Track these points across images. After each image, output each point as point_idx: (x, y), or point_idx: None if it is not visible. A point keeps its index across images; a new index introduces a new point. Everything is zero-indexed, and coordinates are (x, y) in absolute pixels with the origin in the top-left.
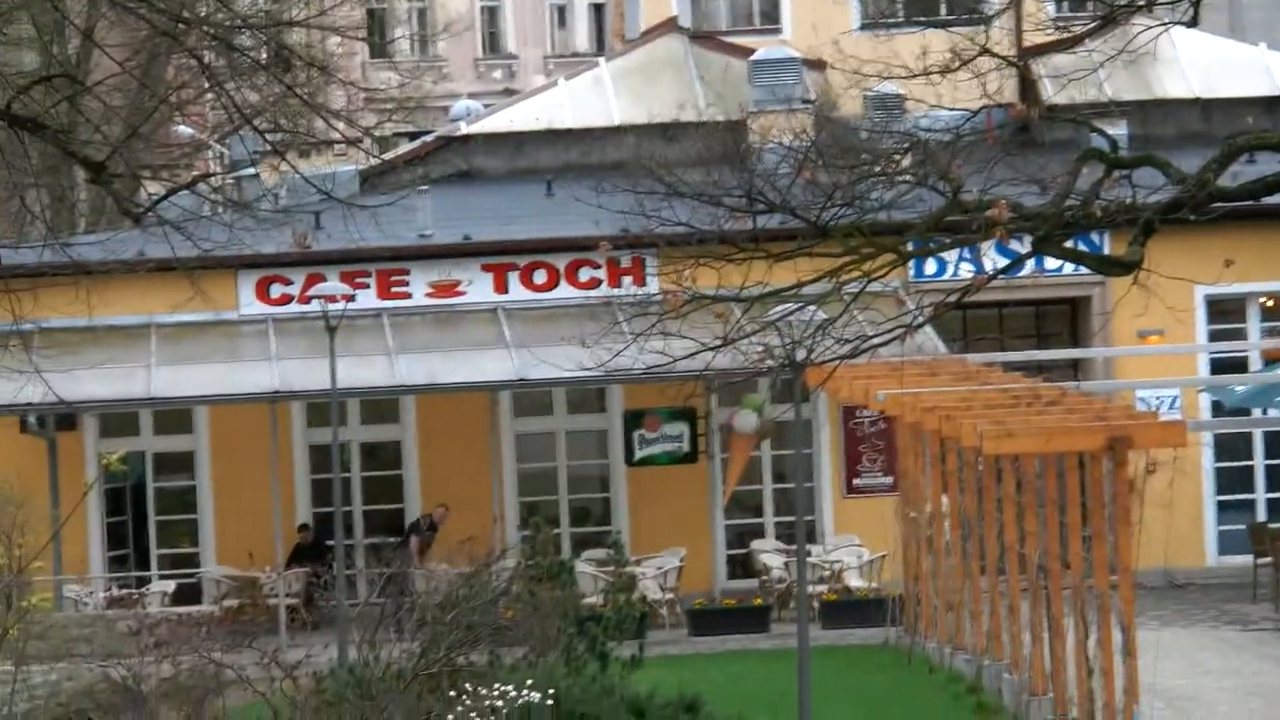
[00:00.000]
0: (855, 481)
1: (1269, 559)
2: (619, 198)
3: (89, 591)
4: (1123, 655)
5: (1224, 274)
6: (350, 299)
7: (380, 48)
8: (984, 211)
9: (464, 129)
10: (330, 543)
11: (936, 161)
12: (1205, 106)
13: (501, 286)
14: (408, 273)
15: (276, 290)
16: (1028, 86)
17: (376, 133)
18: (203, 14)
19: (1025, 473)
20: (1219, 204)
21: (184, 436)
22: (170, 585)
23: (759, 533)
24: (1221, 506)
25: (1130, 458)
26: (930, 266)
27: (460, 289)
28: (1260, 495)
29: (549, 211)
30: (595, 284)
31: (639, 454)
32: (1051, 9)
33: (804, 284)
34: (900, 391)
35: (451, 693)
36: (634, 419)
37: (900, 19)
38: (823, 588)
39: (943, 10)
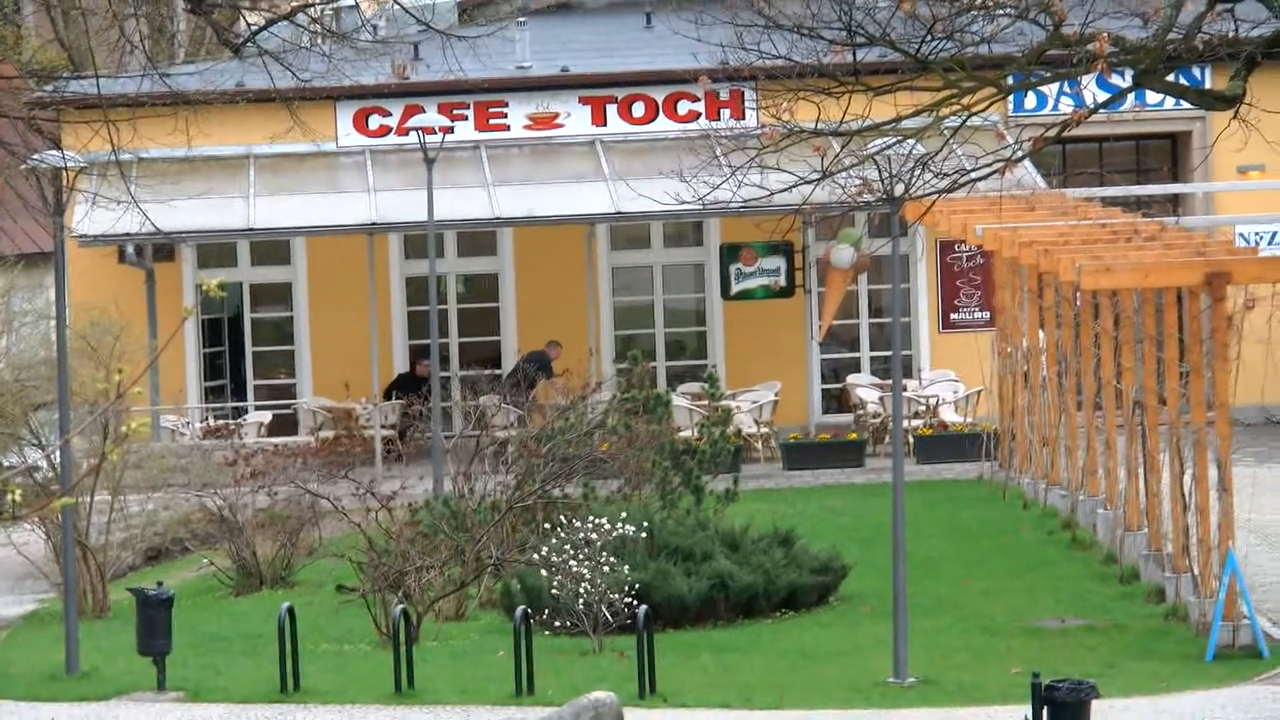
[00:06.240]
0: (952, 316)
1: None
2: (718, 30)
3: (186, 422)
4: (1218, 491)
5: None
6: (448, 131)
7: None
8: (1085, 45)
9: None
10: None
11: None
12: None
13: (600, 119)
14: (506, 105)
15: (375, 122)
16: None
17: None
18: None
19: (1123, 308)
20: None
21: (282, 268)
22: (266, 416)
23: (855, 367)
24: None
25: (1229, 293)
26: (1030, 101)
27: (558, 121)
28: None
29: (648, 43)
30: (694, 117)
31: (735, 288)
32: None
33: (903, 118)
34: (998, 226)
35: (546, 525)
36: (731, 253)
37: None
38: (918, 422)
39: None
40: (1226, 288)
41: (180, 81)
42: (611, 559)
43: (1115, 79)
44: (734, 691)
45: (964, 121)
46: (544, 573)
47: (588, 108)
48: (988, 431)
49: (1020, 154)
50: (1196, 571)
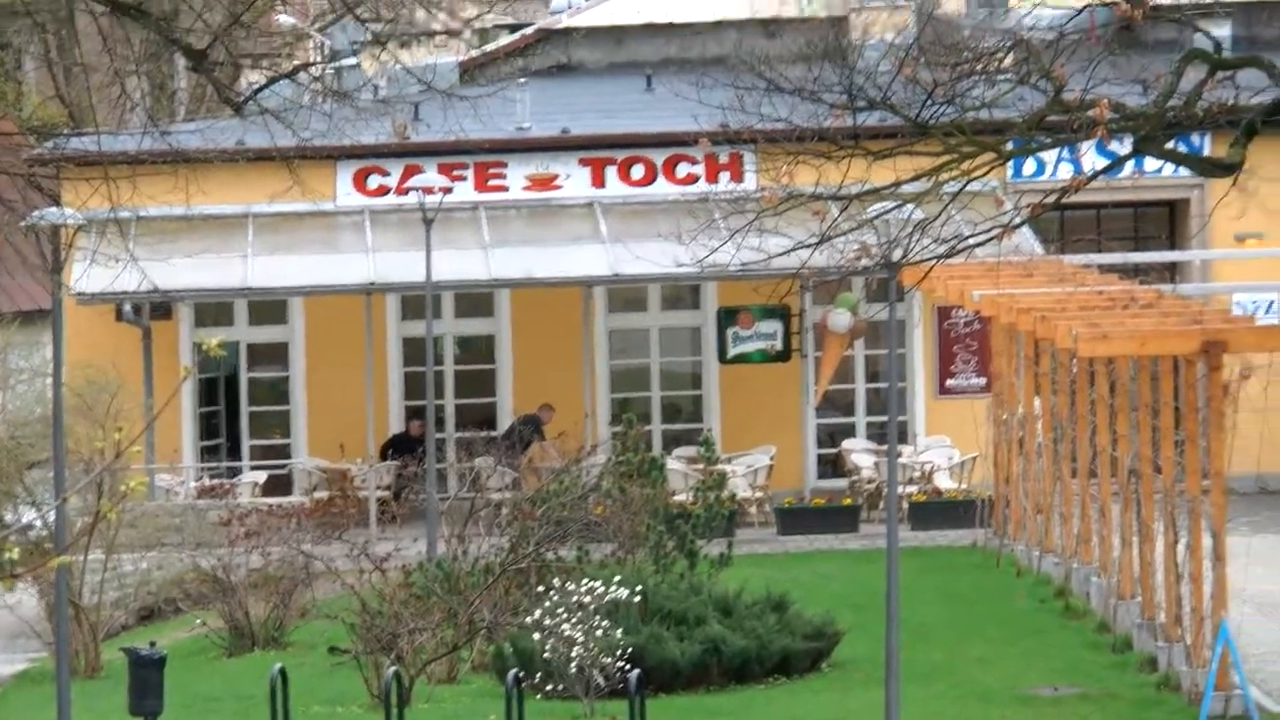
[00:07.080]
0: (948, 382)
1: None
2: (719, 93)
3: (180, 481)
4: (1212, 561)
5: None
6: (447, 191)
7: None
8: (1086, 111)
9: (564, 21)
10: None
11: (1039, 60)
12: None
13: (599, 180)
14: (505, 165)
15: (374, 181)
16: None
17: (477, 24)
18: None
19: (1119, 375)
20: None
21: (279, 327)
22: (261, 476)
23: (850, 432)
24: None
25: (1225, 362)
26: (1029, 166)
27: (557, 183)
28: None
29: (648, 106)
30: (693, 180)
31: (732, 351)
32: None
33: (902, 182)
34: (996, 292)
35: (539, 588)
36: (728, 316)
37: None
38: (913, 488)
39: None
40: (1223, 356)
41: (181, 139)
42: (604, 622)
43: (1115, 145)
44: None
45: (963, 187)
46: (536, 636)
47: (587, 169)
48: (982, 498)
49: (1019, 220)
50: (1189, 641)
